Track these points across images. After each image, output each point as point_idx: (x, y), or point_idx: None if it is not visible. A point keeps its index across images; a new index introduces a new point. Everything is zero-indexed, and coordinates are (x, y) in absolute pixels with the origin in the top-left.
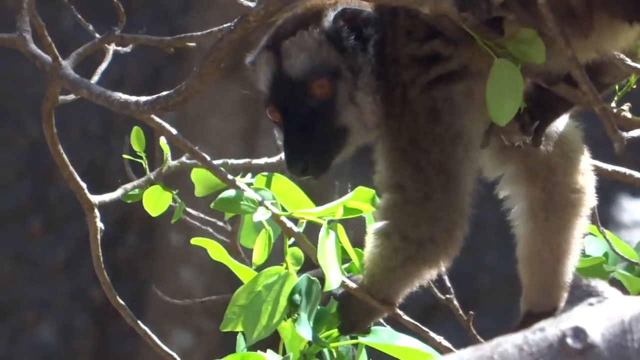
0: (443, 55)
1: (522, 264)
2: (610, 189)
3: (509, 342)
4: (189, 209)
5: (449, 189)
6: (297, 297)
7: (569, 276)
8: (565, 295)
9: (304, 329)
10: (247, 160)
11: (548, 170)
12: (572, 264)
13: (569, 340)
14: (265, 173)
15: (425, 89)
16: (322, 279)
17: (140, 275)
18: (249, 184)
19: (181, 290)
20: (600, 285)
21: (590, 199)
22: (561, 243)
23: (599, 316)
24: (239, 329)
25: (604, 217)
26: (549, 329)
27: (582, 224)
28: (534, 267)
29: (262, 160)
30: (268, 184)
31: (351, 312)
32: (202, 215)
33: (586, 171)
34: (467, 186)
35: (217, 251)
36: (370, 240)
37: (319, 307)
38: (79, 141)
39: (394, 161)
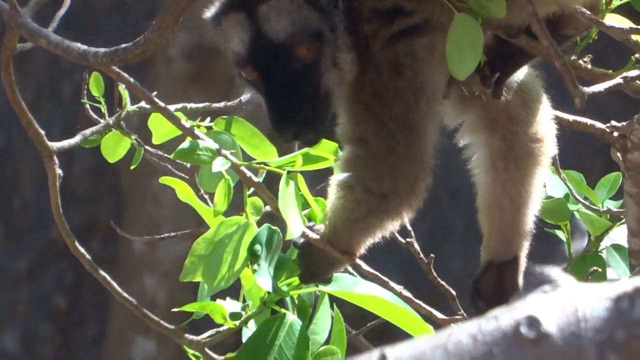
0: (406, 9)
1: (482, 214)
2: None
3: (463, 331)
4: (147, 147)
5: (412, 142)
6: (257, 247)
7: (529, 225)
8: (526, 244)
9: (264, 279)
10: (206, 103)
11: (508, 120)
12: (532, 212)
13: (523, 329)
14: (225, 116)
15: (388, 43)
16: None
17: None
18: (209, 128)
19: (145, 298)
20: (554, 272)
21: (550, 148)
22: (521, 192)
23: (553, 304)
24: (199, 279)
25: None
26: (503, 318)
27: (543, 173)
28: (494, 216)
29: (221, 104)
30: (227, 128)
31: (312, 262)
32: (160, 153)
33: (546, 120)
34: (430, 139)
35: (184, 191)
36: (332, 192)
37: (279, 254)
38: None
39: (356, 115)
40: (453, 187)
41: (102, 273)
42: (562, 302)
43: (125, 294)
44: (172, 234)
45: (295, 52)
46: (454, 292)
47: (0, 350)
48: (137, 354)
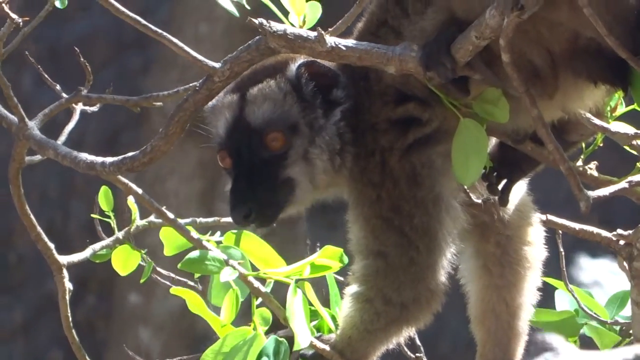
0: (420, 119)
1: (476, 322)
2: (570, 250)
3: None
4: (158, 268)
5: (432, 250)
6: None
7: (524, 330)
8: (521, 350)
9: None
10: (215, 218)
11: (502, 225)
12: (527, 317)
13: None
14: (234, 231)
15: (405, 154)
16: (291, 338)
17: (99, 335)
18: (218, 242)
19: (140, 350)
20: (555, 340)
21: (541, 251)
22: (516, 297)
23: None
24: None
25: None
26: None
27: (535, 277)
28: (489, 324)
29: (230, 218)
30: (237, 242)
31: None
32: (172, 275)
33: (535, 223)
34: (448, 244)
35: (195, 302)
36: (347, 305)
37: None
38: (37, 203)
39: (374, 229)
40: None
41: None
42: None
43: None
44: None
45: (266, 139)
46: None
47: None
48: None
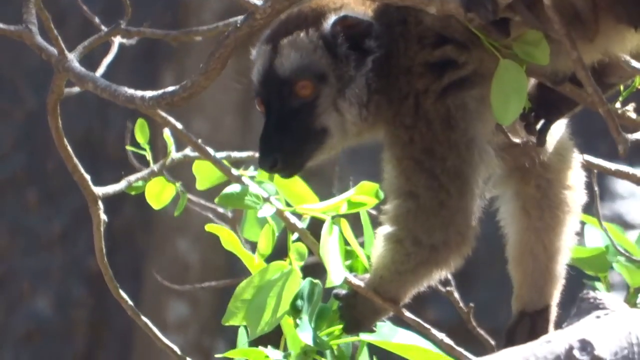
0: (457, 61)
1: (513, 263)
2: (601, 189)
3: (517, 354)
4: (191, 196)
5: (464, 194)
6: (299, 302)
7: (562, 274)
8: (557, 293)
9: (306, 333)
10: (249, 153)
11: (542, 168)
12: (564, 261)
13: (576, 353)
14: None
15: (440, 96)
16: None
17: (137, 246)
18: (252, 177)
19: (178, 261)
20: (607, 298)
21: (581, 196)
22: (554, 240)
23: (606, 329)
24: (241, 322)
25: (601, 188)
26: (556, 341)
27: (574, 221)
28: (526, 265)
29: None
30: (271, 177)
31: (356, 312)
32: (202, 201)
33: (576, 167)
34: (479, 188)
35: (229, 239)
36: (379, 245)
37: (320, 304)
38: (75, 112)
39: (406, 170)
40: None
41: (144, 319)
42: (614, 327)
43: (166, 341)
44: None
45: (295, 87)
46: (492, 342)
47: (34, 313)
48: (171, 318)
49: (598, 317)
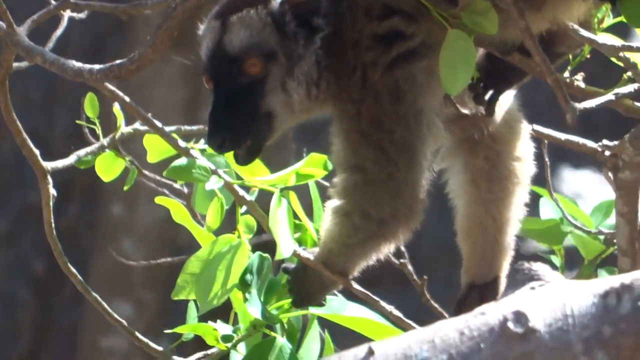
0: (404, 33)
1: (462, 235)
2: (551, 162)
3: (450, 325)
4: (145, 172)
5: (412, 167)
6: (248, 277)
7: (511, 245)
8: (506, 264)
9: (254, 307)
10: (200, 126)
11: (491, 140)
12: (513, 232)
13: (510, 325)
14: None
15: (387, 69)
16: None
17: (81, 245)
18: (202, 150)
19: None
20: (542, 269)
21: (530, 167)
22: (503, 212)
23: (541, 300)
24: (191, 296)
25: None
26: (490, 313)
27: (523, 193)
28: (475, 237)
29: None
30: None
31: (305, 285)
32: (158, 178)
33: (526, 139)
34: (427, 161)
35: (179, 212)
36: (327, 218)
37: (269, 278)
38: (21, 109)
39: (353, 143)
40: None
41: (94, 294)
42: (549, 298)
43: (116, 316)
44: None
45: (244, 65)
46: (446, 315)
47: None
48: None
49: (533, 288)
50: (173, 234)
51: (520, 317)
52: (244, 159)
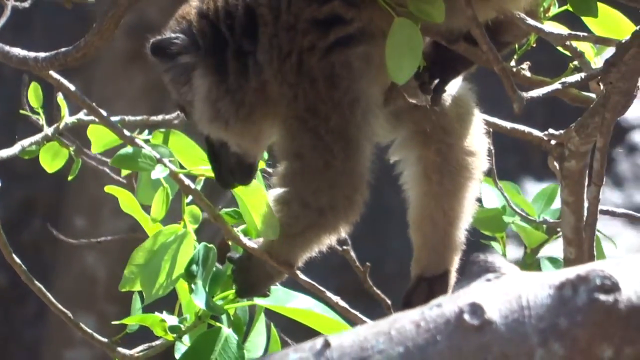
0: (344, 18)
1: (413, 227)
2: (514, 172)
3: (406, 318)
4: (90, 161)
5: (349, 156)
6: (194, 267)
7: (461, 239)
8: (457, 258)
9: (199, 298)
10: (144, 116)
11: (443, 132)
12: (464, 226)
13: (466, 317)
14: (163, 130)
15: (324, 54)
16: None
17: (44, 259)
18: (147, 141)
19: (85, 274)
20: (498, 260)
21: (483, 162)
22: (454, 205)
23: (496, 292)
24: (137, 288)
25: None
26: (446, 305)
27: (475, 187)
28: (426, 230)
29: (159, 117)
30: (165, 141)
31: (250, 275)
32: (100, 157)
33: (479, 134)
34: (366, 151)
35: (128, 201)
36: (270, 207)
37: (215, 268)
38: None
39: (291, 130)
40: (391, 167)
41: (37, 284)
42: (505, 290)
43: (59, 306)
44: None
45: None
46: (389, 302)
47: None
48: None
49: (488, 280)
50: (135, 246)
51: (476, 309)
52: (244, 182)
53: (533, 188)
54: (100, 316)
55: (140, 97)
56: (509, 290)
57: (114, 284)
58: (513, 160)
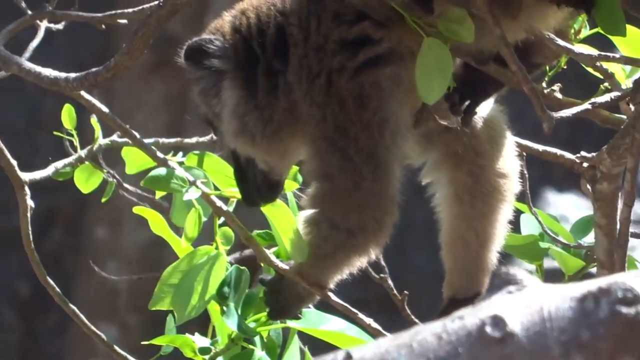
0: (373, 38)
1: (445, 249)
2: (536, 184)
3: (428, 330)
4: (126, 185)
5: (378, 177)
6: (225, 289)
7: (493, 261)
8: (487, 280)
9: (232, 320)
10: (178, 139)
11: (474, 155)
12: (496, 249)
13: (488, 329)
14: (197, 152)
15: (354, 74)
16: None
17: (66, 269)
18: (181, 163)
19: (107, 284)
20: (520, 273)
21: (515, 184)
22: (486, 227)
23: (518, 304)
24: (167, 307)
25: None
26: (468, 318)
27: (507, 209)
28: (458, 252)
29: (193, 139)
30: (200, 163)
31: (281, 298)
32: (139, 191)
33: (511, 156)
34: (395, 173)
35: (157, 222)
36: (300, 228)
37: (247, 290)
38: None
39: (319, 150)
40: (414, 180)
41: (72, 306)
42: (527, 302)
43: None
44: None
45: None
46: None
47: None
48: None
49: (510, 292)
50: (157, 256)
51: (498, 321)
52: (268, 200)
53: (554, 199)
54: (121, 327)
55: (161, 108)
56: (530, 302)
57: (135, 294)
58: (535, 173)
